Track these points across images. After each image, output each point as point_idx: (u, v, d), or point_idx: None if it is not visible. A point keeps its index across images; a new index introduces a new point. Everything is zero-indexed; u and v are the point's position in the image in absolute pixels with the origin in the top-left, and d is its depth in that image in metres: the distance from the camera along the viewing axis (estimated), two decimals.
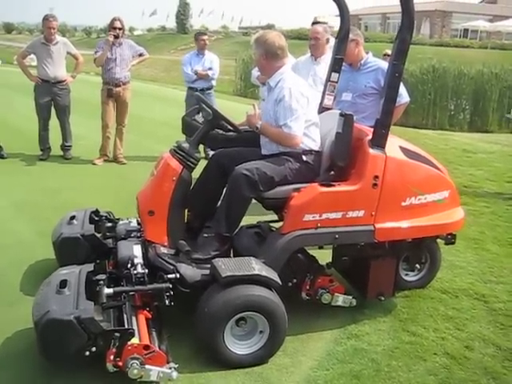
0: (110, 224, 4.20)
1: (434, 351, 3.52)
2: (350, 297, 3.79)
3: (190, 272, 3.38)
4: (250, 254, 3.49)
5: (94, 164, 7.80)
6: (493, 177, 8.43)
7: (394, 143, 3.70)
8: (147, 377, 2.88)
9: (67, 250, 3.89)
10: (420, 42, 32.14)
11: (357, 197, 3.51)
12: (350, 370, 3.27)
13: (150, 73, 24.30)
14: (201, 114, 3.85)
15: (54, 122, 8.00)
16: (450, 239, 4.11)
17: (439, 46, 32.05)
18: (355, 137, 3.59)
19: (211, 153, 6.28)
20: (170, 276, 3.32)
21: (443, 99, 14.65)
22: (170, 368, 2.92)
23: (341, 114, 3.55)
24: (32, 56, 8.07)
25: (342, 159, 3.57)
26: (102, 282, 3.20)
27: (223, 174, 3.78)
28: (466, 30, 44.89)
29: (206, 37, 8.40)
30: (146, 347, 2.89)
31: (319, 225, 3.46)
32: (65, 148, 8.07)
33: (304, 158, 3.63)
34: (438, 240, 4.21)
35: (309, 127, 3.65)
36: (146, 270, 3.33)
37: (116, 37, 7.39)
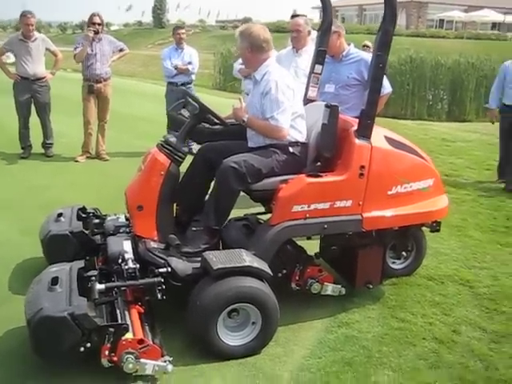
0: (97, 220, 4.19)
1: (422, 336, 3.59)
2: (339, 286, 3.84)
3: (181, 266, 3.39)
4: (239, 246, 3.51)
5: (77, 161, 7.73)
6: (473, 165, 8.59)
7: (379, 133, 3.75)
8: (142, 370, 2.90)
9: (56, 247, 3.87)
10: (397, 33, 31.67)
11: (344, 187, 3.55)
12: (341, 358, 3.32)
13: (128, 68, 24.02)
14: (187, 108, 3.86)
15: (34, 120, 7.91)
16: (435, 227, 4.18)
17: (416, 36, 32.21)
18: (341, 128, 3.63)
19: (194, 146, 6.32)
20: (161, 270, 3.33)
21: (421, 89, 14.73)
22: (165, 361, 2.94)
23: (326, 106, 3.59)
24: (8, 53, 7.96)
25: (328, 150, 3.61)
26: (93, 278, 3.20)
27: (210, 168, 3.80)
28: (441, 21, 45.24)
29: (183, 31, 8.38)
30: (141, 341, 2.91)
31: (308, 215, 3.50)
32: (46, 146, 7.99)
33: (291, 149, 3.66)
34: (423, 228, 4.28)
35: (295, 119, 3.68)
36: (138, 265, 3.34)
37: (96, 32, 7.33)
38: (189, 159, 3.82)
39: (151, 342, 2.97)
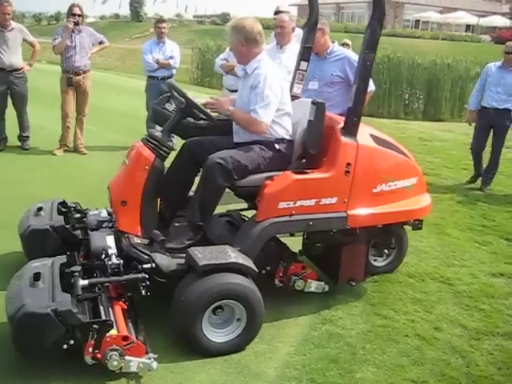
0: (78, 215, 4.11)
1: (405, 333, 3.63)
2: (323, 283, 3.86)
3: (166, 261, 3.36)
4: (223, 242, 3.49)
5: (54, 154, 7.59)
6: (449, 164, 8.71)
7: (365, 131, 3.76)
8: (127, 368, 2.86)
9: (36, 242, 3.78)
10: None
11: (330, 184, 3.56)
12: (326, 354, 3.33)
13: (105, 62, 23.67)
14: (171, 102, 3.81)
15: (10, 112, 7.73)
16: (417, 225, 4.22)
17: (392, 36, 32.48)
18: (326, 125, 3.63)
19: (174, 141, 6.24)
20: (145, 266, 3.29)
21: (398, 88, 14.89)
22: (150, 358, 2.91)
23: (313, 102, 3.59)
24: None
25: (314, 147, 3.61)
26: (76, 273, 3.13)
27: (195, 163, 3.77)
28: (417, 21, 45.79)
29: (164, 25, 8.23)
30: (125, 338, 2.87)
31: (293, 212, 3.49)
32: (23, 138, 7.82)
33: (277, 146, 3.65)
34: (405, 226, 4.32)
35: (282, 116, 3.67)
36: (122, 261, 3.29)
37: (76, 23, 7.19)
38: (172, 154, 3.78)
39: (135, 339, 2.94)
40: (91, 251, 3.44)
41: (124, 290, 3.32)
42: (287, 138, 3.71)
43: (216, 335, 3.26)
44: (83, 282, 3.10)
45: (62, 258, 3.31)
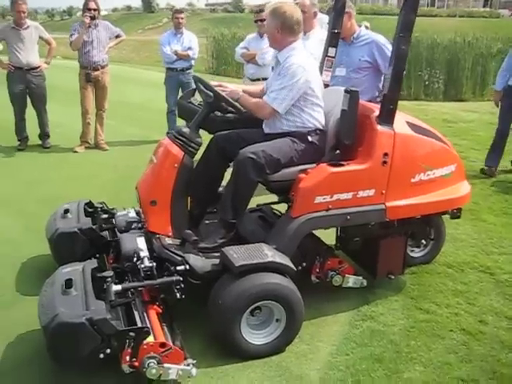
0: (106, 216, 4.01)
1: (449, 328, 3.48)
2: (361, 277, 3.71)
3: (200, 263, 3.24)
4: (256, 239, 3.38)
5: (76, 152, 7.53)
6: (477, 146, 8.44)
7: (401, 118, 3.59)
8: (166, 376, 2.75)
9: (65, 245, 3.68)
10: (388, 13, 32.05)
11: (367, 176, 3.40)
12: (370, 354, 3.19)
13: (119, 54, 23.56)
14: (198, 96, 3.68)
15: (30, 111, 7.67)
16: (456, 213, 4.03)
17: None
18: (360, 113, 3.46)
19: None
20: (178, 268, 3.18)
21: (417, 69, 14.56)
22: (189, 364, 2.79)
23: (346, 91, 3.41)
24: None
25: (348, 137, 3.45)
26: (109, 278, 3.03)
27: (224, 158, 3.66)
28: None
29: (182, 15, 8.05)
30: (163, 345, 2.75)
31: (330, 206, 3.35)
32: (43, 137, 7.77)
33: (309, 138, 3.50)
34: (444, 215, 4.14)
35: (313, 107, 3.51)
36: (154, 264, 3.18)
37: (92, 18, 7.08)
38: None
39: (173, 345, 2.83)
40: (122, 254, 3.34)
41: (157, 293, 3.21)
42: (320, 128, 3.55)
43: (254, 337, 3.14)
44: (116, 288, 2.99)
45: (93, 263, 3.21)
